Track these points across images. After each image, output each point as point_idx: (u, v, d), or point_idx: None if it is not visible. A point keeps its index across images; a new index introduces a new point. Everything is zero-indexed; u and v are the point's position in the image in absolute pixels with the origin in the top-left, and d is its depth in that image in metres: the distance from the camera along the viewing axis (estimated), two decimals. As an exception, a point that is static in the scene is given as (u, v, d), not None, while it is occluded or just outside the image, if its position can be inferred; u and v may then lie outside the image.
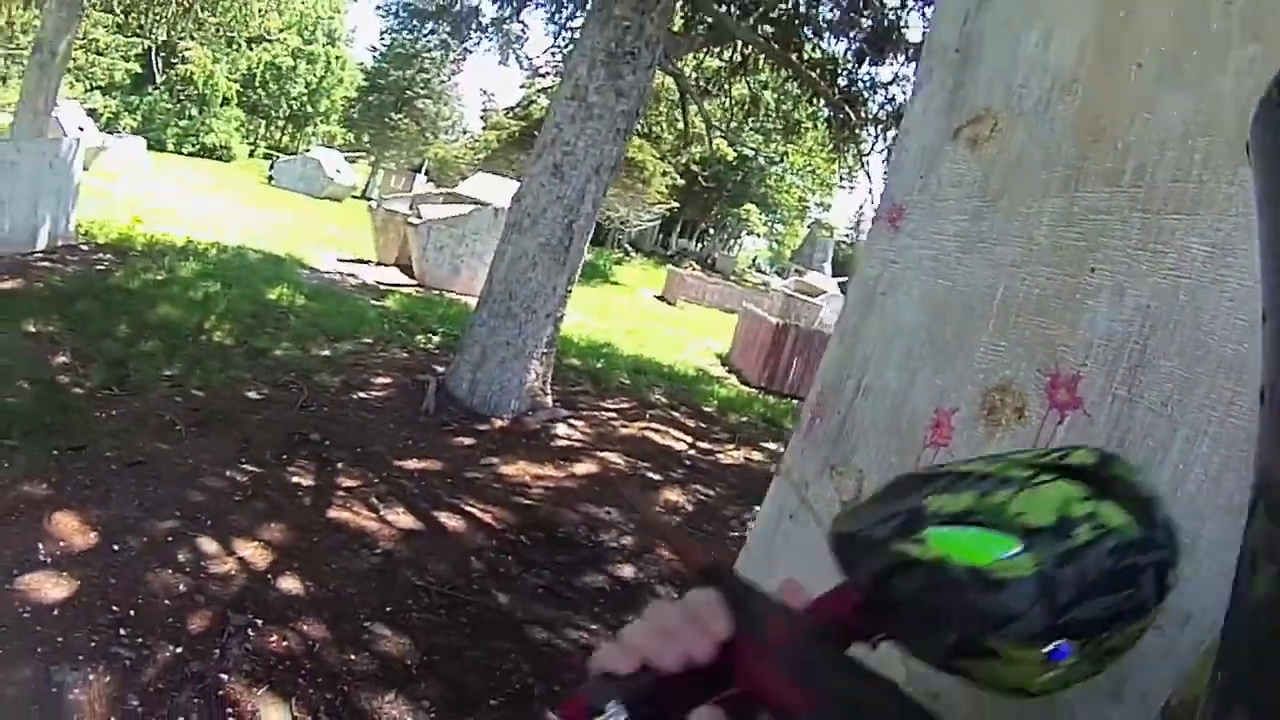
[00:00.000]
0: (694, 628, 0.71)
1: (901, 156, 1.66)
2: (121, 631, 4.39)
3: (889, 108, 14.53)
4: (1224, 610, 0.50)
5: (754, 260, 76.80)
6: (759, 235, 71.35)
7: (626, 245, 48.91)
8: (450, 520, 6.85)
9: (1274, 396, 0.37)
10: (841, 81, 14.19)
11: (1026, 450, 0.76)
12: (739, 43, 13.44)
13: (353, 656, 4.74)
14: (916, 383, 1.39)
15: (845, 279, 45.61)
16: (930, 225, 1.49)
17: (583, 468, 9.12)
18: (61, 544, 5.05)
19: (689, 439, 11.66)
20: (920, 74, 1.70)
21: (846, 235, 77.09)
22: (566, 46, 16.54)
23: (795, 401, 16.81)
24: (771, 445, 12.60)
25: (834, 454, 1.59)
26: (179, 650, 4.38)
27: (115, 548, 5.13)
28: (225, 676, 4.28)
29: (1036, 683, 0.68)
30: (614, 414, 11.87)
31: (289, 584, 5.31)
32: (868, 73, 14.44)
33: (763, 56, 14.10)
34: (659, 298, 35.21)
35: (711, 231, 62.60)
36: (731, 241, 66.24)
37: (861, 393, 1.55)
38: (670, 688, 0.68)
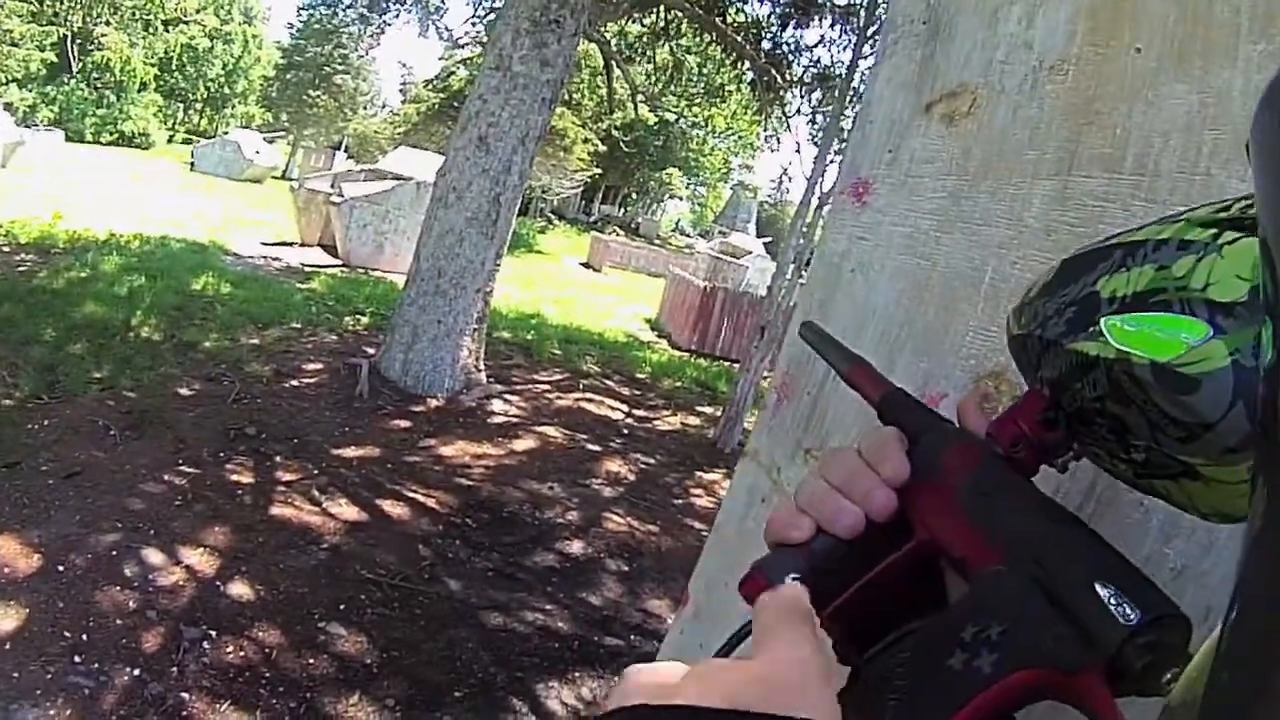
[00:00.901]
0: (868, 477, 0.67)
1: (865, 130, 1.61)
2: (76, 659, 4.29)
3: (814, 70, 14.60)
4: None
5: (677, 223, 76.99)
6: (682, 198, 71.51)
7: (549, 213, 48.67)
8: (394, 508, 6.79)
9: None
10: (766, 45, 14.21)
11: (1207, 204, 0.61)
12: (662, 8, 13.37)
13: (311, 660, 4.69)
14: (897, 365, 1.36)
15: (769, 239, 45.86)
16: (903, 201, 1.45)
17: (521, 444, 9.10)
18: (5, 570, 4.91)
19: (625, 407, 11.70)
20: (882, 45, 1.66)
21: (770, 196, 77.46)
22: (486, 16, 16.36)
23: (727, 364, 16.91)
24: (707, 409, 12.69)
25: (807, 436, 1.56)
26: (136, 672, 4.29)
27: (60, 568, 5.01)
28: (186, 695, 4.22)
29: (1241, 505, 0.54)
30: (548, 386, 11.88)
31: (239, 589, 5.23)
32: (792, 35, 14.51)
33: (686, 21, 14.06)
34: (584, 265, 35.07)
35: (634, 196, 62.53)
36: (654, 206, 66.26)
37: (834, 374, 1.51)
38: (850, 548, 0.65)
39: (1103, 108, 1.11)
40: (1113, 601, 0.49)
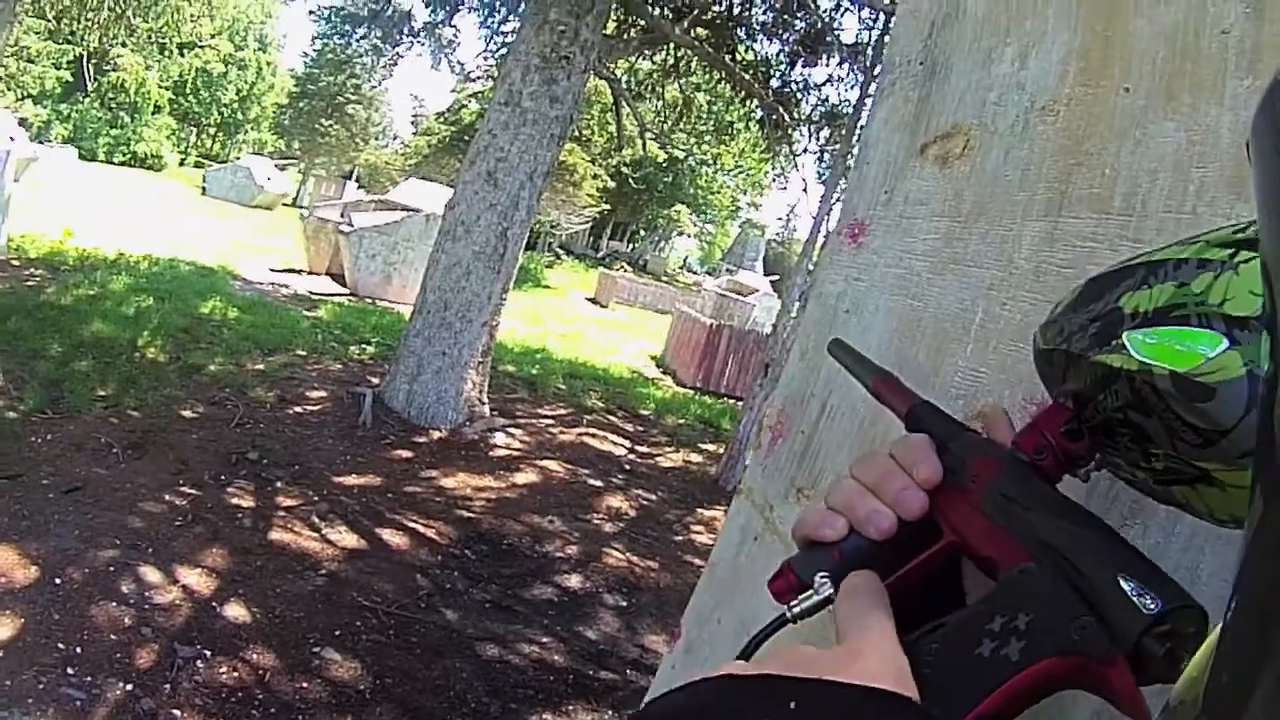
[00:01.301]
0: (901, 479, 0.68)
1: (863, 170, 1.62)
2: (70, 671, 4.29)
3: (822, 108, 14.67)
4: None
5: (685, 261, 77.05)
6: (690, 236, 71.55)
7: (557, 249, 48.77)
8: (393, 537, 6.77)
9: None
10: (774, 83, 14.28)
11: (1224, 225, 0.63)
12: (672, 46, 13.44)
13: (305, 684, 4.67)
14: (886, 405, 1.35)
15: (777, 277, 45.88)
16: (897, 243, 1.46)
17: (523, 477, 9.08)
18: (2, 580, 4.91)
19: (628, 443, 11.68)
20: (881, 86, 1.66)
21: (777, 234, 77.57)
22: (499, 50, 16.45)
23: (732, 402, 16.88)
24: (710, 446, 12.66)
25: (800, 476, 1.55)
26: (129, 687, 4.29)
27: (57, 581, 5.01)
28: (178, 713, 4.20)
29: None
30: (551, 420, 11.85)
31: (235, 611, 5.22)
32: (800, 74, 14.59)
33: (695, 59, 14.15)
34: (591, 300, 35.06)
35: (642, 233, 62.59)
36: (662, 243, 66.29)
37: (827, 413, 1.50)
38: (880, 549, 0.66)
39: (1092, 148, 1.12)
40: (1135, 592, 0.51)
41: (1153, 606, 0.50)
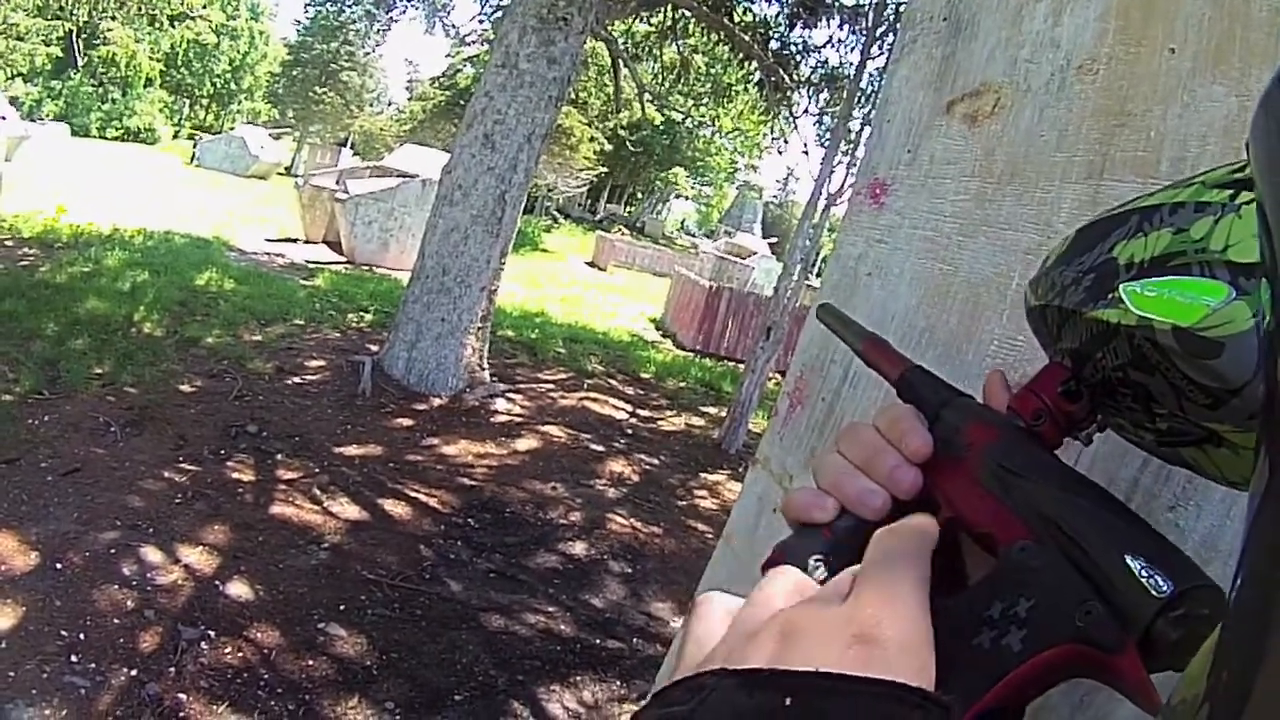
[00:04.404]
0: (890, 455, 0.65)
1: (883, 129, 1.56)
2: (73, 658, 4.26)
3: (821, 70, 14.59)
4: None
5: (682, 223, 77.06)
6: (687, 198, 71.52)
7: (554, 212, 48.74)
8: (396, 508, 6.75)
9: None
10: (773, 45, 14.19)
11: (1221, 165, 0.59)
12: (670, 7, 13.33)
13: (310, 662, 4.65)
14: (917, 374, 1.30)
15: (775, 240, 45.84)
16: (922, 204, 1.41)
17: (524, 443, 9.07)
18: (3, 567, 4.86)
19: (629, 407, 11.68)
20: (901, 43, 1.61)
21: (775, 196, 77.53)
22: (494, 13, 16.33)
23: (732, 364, 16.88)
24: (711, 410, 12.67)
25: (822, 444, 1.50)
26: (133, 673, 4.25)
27: (58, 566, 4.97)
28: (184, 696, 4.17)
29: None
30: (552, 385, 11.85)
31: (238, 589, 5.19)
32: (800, 36, 14.50)
33: (694, 20, 14.05)
34: (589, 264, 35.12)
35: (640, 196, 62.57)
36: (660, 205, 66.27)
37: (849, 380, 1.46)
38: (873, 528, 0.60)
39: (1135, 109, 1.07)
40: (1144, 573, 0.48)
41: (1164, 588, 0.47)
